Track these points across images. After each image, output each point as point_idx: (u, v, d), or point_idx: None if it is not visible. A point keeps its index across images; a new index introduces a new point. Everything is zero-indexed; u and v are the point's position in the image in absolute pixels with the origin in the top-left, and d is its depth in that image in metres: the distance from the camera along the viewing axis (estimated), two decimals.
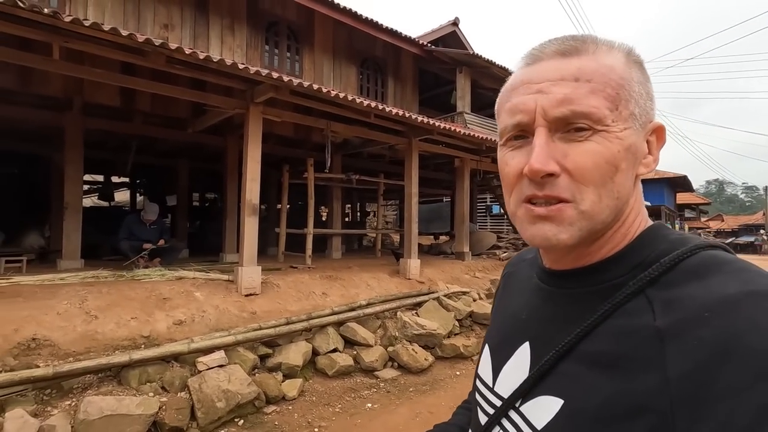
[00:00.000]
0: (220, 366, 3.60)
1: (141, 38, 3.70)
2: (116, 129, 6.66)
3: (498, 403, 0.55)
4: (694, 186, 40.34)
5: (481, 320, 6.08)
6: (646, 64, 0.52)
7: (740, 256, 0.45)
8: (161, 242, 6.03)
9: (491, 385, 0.58)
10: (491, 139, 7.52)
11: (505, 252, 9.82)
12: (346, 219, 15.53)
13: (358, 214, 17.43)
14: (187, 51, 3.96)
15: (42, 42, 3.86)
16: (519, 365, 0.53)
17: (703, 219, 37.56)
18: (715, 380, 0.35)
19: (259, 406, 3.55)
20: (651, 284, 0.44)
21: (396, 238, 15.44)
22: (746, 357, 0.35)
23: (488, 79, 9.73)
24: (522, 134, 0.49)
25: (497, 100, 0.56)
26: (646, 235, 0.50)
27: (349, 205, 16.34)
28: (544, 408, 0.47)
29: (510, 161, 0.50)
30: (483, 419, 0.57)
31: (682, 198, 32.17)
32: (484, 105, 10.74)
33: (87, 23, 3.41)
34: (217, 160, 8.80)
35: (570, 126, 0.46)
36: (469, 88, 9.38)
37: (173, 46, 3.89)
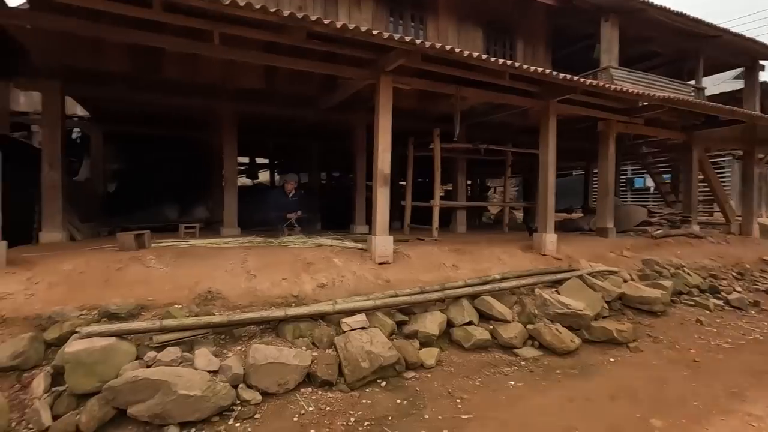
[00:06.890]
0: (362, 328, 3.70)
1: (285, 13, 3.89)
2: (260, 111, 7.32)
3: None
4: None
5: (634, 304, 5.28)
6: None
7: None
8: (299, 213, 6.60)
9: None
10: (648, 94, 6.35)
11: (658, 230, 8.41)
12: (468, 195, 15.06)
13: (478, 190, 16.81)
14: (326, 22, 4.04)
15: (205, 31, 4.32)
16: None
17: None
18: None
19: (399, 371, 3.57)
20: None
21: (518, 215, 14.50)
22: None
23: (642, 26, 8.24)
24: None
25: None
26: None
27: (469, 182, 15.79)
28: None
29: None
30: None
31: None
32: (633, 59, 9.16)
33: (242, 3, 3.68)
34: (344, 139, 9.17)
35: None
36: (617, 38, 8.06)
37: (313, 17, 4.02)
